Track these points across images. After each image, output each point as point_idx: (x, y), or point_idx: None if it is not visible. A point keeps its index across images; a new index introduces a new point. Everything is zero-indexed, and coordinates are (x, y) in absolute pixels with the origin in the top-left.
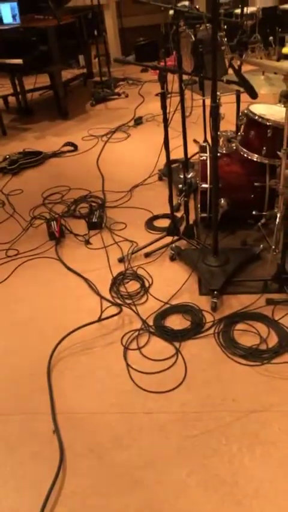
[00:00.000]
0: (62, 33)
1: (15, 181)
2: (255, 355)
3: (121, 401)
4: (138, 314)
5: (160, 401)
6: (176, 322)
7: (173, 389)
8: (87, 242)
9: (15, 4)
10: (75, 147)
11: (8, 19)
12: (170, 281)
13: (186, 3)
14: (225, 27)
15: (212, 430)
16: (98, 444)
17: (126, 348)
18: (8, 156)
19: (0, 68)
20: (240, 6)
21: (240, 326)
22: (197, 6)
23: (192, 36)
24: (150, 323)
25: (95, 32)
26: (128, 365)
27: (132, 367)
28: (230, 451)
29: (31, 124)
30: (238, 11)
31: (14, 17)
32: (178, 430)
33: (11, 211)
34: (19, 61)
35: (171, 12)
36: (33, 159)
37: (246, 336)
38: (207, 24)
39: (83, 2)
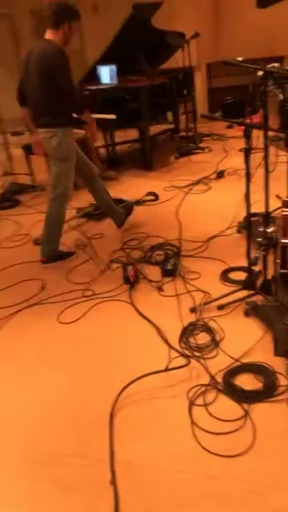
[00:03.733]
0: (153, 92)
1: (98, 226)
2: None
3: (183, 460)
4: (206, 368)
5: (225, 466)
6: (247, 382)
7: (240, 454)
8: (160, 289)
9: (113, 67)
10: (156, 196)
11: (105, 79)
12: (243, 337)
13: (276, 64)
14: None
15: (282, 509)
16: (154, 502)
17: (191, 403)
18: (93, 203)
19: (96, 123)
20: None
21: None
22: (287, 68)
23: (280, 95)
24: (219, 380)
25: (185, 91)
26: (192, 422)
27: (196, 425)
28: None
29: (118, 174)
30: None
31: (111, 78)
32: (242, 502)
33: (92, 254)
34: (112, 116)
35: (260, 73)
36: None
37: None
38: None
39: (175, 64)
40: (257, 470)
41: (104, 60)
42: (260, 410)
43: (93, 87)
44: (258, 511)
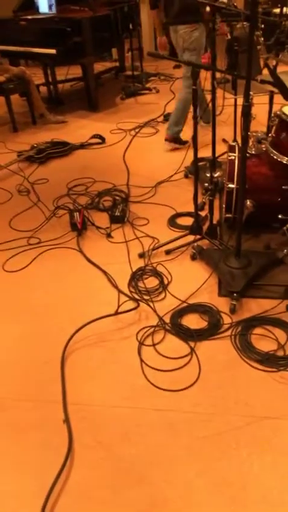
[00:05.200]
0: (96, 25)
1: (41, 171)
2: (271, 361)
3: (133, 396)
4: (155, 310)
5: (172, 399)
6: (193, 322)
7: (186, 388)
8: (109, 235)
9: None
10: (103, 139)
11: (44, 8)
12: (190, 280)
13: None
14: (263, 26)
15: (223, 432)
16: (107, 437)
17: (141, 344)
18: (35, 145)
19: (34, 58)
20: (279, 5)
21: (258, 330)
22: (235, 4)
23: (229, 34)
24: (167, 320)
25: (130, 26)
26: (141, 360)
27: (146, 363)
28: (239, 455)
29: (61, 114)
30: (277, 10)
31: (50, 6)
32: (188, 430)
33: (35, 200)
34: (52, 51)
35: (207, 8)
36: (61, 149)
37: (264, 341)
38: (245, 23)
39: None
40: (201, 401)
41: None
42: (204, 347)
43: (30, 17)
44: (203, 436)
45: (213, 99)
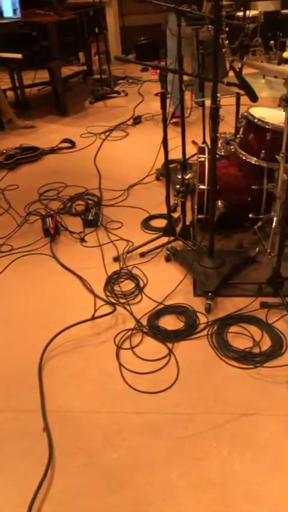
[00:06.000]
0: (62, 29)
1: (11, 177)
2: (248, 358)
3: (112, 401)
4: (132, 313)
5: (152, 401)
6: (170, 323)
7: (165, 390)
8: (83, 240)
9: None
10: (73, 144)
11: (8, 13)
12: (165, 281)
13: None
14: (227, 29)
15: (203, 432)
16: (88, 443)
17: (118, 347)
18: (4, 151)
19: (0, 63)
20: (242, 9)
21: (233, 329)
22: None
23: (194, 37)
24: (144, 323)
25: (96, 30)
26: (120, 364)
27: (124, 367)
28: (220, 453)
29: (29, 119)
30: (240, 13)
31: (14, 11)
32: (169, 431)
33: (6, 207)
34: (18, 55)
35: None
36: (30, 154)
37: (240, 338)
38: (209, 26)
39: None
40: (181, 401)
41: None
42: (182, 347)
43: None
44: (183, 437)
45: (182, 102)
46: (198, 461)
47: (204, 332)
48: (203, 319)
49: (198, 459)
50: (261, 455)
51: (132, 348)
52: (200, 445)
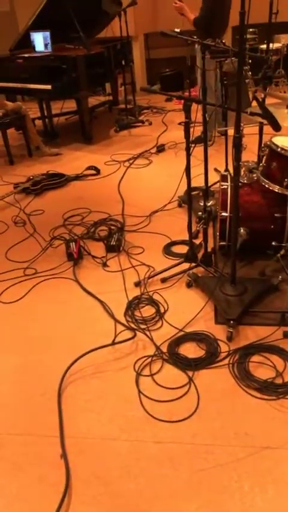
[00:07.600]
0: (90, 62)
1: (37, 202)
2: (270, 389)
3: (131, 428)
4: (152, 340)
5: (171, 431)
6: (190, 350)
7: (185, 419)
8: (105, 264)
9: (47, 33)
10: (98, 171)
11: (40, 47)
12: (186, 308)
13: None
14: (250, 61)
15: (224, 464)
16: (106, 472)
17: (138, 374)
18: (31, 177)
19: (30, 93)
20: (265, 42)
21: (255, 358)
22: (224, 41)
23: (218, 70)
24: (164, 350)
25: (123, 62)
26: (139, 391)
27: (143, 394)
28: (241, 488)
29: (56, 147)
30: (263, 46)
31: (46, 45)
32: (188, 463)
33: (31, 231)
34: (48, 87)
35: (197, 46)
36: (56, 181)
37: (262, 368)
38: (233, 58)
39: (112, 34)
40: (201, 432)
41: (37, 26)
42: (203, 376)
43: (26, 55)
44: (203, 469)
45: (205, 130)
46: (219, 495)
47: (226, 361)
48: (224, 347)
49: (219, 493)
50: (284, 491)
51: (152, 375)
52: (220, 478)
